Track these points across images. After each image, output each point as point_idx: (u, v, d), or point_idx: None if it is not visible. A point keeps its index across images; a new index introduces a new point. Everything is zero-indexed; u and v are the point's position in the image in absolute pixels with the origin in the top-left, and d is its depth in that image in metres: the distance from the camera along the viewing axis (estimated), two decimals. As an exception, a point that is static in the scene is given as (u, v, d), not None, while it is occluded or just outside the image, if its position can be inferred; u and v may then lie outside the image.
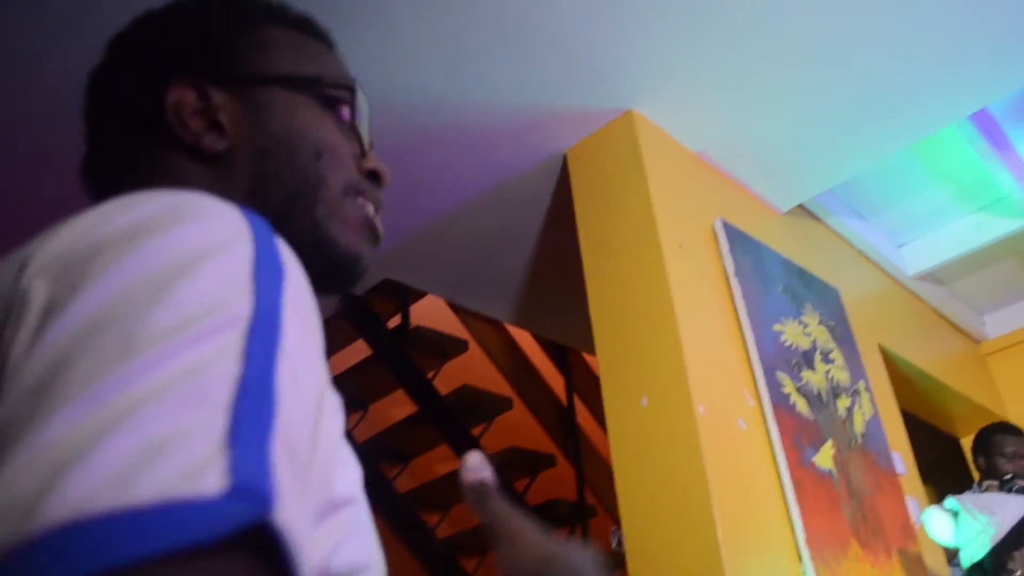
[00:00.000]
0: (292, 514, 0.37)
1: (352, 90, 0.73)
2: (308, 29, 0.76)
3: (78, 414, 0.35)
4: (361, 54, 2.05)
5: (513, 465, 3.90)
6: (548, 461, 4.01)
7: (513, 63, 2.18)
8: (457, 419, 3.73)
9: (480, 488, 0.73)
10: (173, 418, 0.36)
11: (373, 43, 2.04)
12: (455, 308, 3.69)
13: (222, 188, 0.53)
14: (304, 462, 0.41)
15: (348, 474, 0.58)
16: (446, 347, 3.83)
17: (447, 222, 2.86)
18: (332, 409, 0.52)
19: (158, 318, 0.39)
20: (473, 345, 3.91)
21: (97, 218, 0.47)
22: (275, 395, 0.40)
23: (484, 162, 2.60)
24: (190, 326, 0.40)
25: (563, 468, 4.09)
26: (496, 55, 2.15)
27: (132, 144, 0.68)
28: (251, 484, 0.35)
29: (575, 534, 3.93)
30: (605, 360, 2.13)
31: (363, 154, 0.73)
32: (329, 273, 0.68)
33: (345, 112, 0.73)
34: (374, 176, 0.73)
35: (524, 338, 4.08)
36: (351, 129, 0.73)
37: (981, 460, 3.08)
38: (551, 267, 3.11)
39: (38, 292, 0.43)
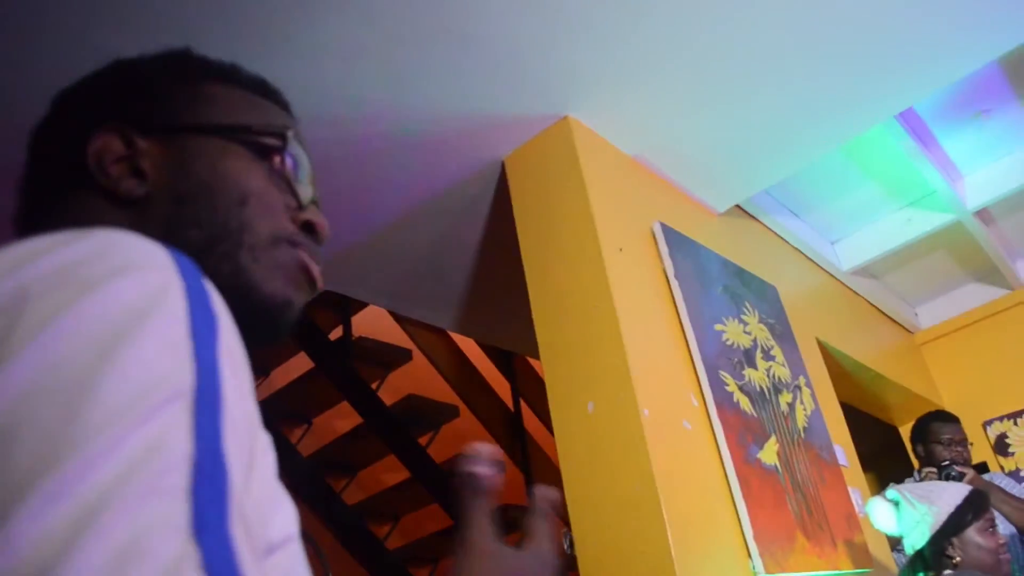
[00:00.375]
0: None
1: (284, 137, 0.71)
2: (257, 89, 0.75)
3: (42, 517, 0.34)
4: (296, 66, 2.03)
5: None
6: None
7: (448, 72, 2.18)
8: (403, 429, 3.71)
9: (472, 481, 0.71)
10: (138, 513, 0.35)
11: (307, 55, 2.02)
12: (397, 317, 3.68)
13: (137, 231, 0.51)
14: (252, 524, 0.42)
15: (283, 514, 0.57)
16: (389, 357, 3.81)
17: (386, 232, 2.85)
18: (263, 450, 0.52)
19: (105, 395, 0.38)
20: (417, 354, 3.90)
21: (16, 258, 0.45)
22: (226, 468, 0.40)
23: (422, 171, 2.59)
24: (139, 403, 0.39)
25: (512, 473, 4.09)
26: (431, 64, 2.14)
27: (54, 190, 0.67)
28: None
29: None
30: (550, 367, 2.13)
31: (299, 206, 0.71)
32: (254, 321, 0.64)
33: (277, 161, 0.71)
34: (309, 228, 0.71)
35: (468, 345, 4.07)
36: (283, 179, 0.71)
37: (920, 448, 3.16)
38: (493, 274, 3.12)
39: None
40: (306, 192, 0.72)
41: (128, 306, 0.42)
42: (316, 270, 0.70)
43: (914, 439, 3.22)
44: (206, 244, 0.64)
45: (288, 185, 0.71)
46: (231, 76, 0.74)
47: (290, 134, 0.72)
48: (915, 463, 3.41)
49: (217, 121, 0.69)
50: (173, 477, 0.37)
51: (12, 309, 0.41)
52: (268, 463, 0.51)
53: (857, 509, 2.58)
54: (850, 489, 2.62)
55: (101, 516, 0.34)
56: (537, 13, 2.03)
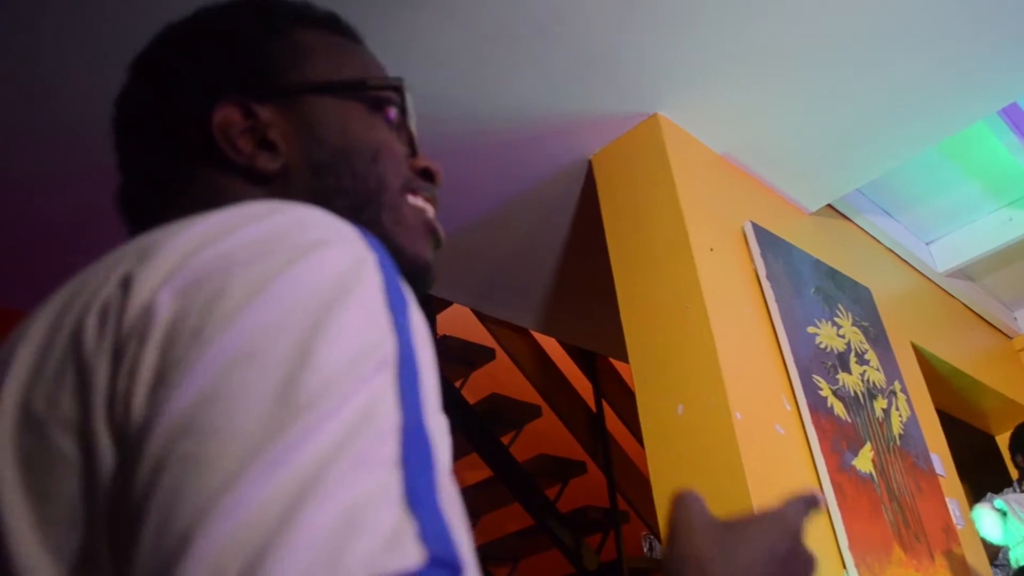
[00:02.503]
0: (471, 566, 0.38)
1: (400, 90, 0.71)
2: (336, 27, 0.73)
3: (266, 483, 0.34)
4: (384, 65, 2.04)
5: (544, 472, 3.88)
6: (579, 468, 3.99)
7: (535, 70, 2.17)
8: (486, 427, 3.72)
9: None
10: (356, 482, 0.35)
11: (390, 54, 2.01)
12: (481, 317, 3.68)
13: None
14: (453, 496, 0.41)
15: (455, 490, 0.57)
16: (473, 356, 3.82)
17: (472, 231, 2.85)
18: (446, 426, 0.51)
19: (321, 362, 0.39)
20: (500, 353, 3.90)
21: (216, 228, 0.45)
22: (429, 441, 0.40)
23: (508, 170, 2.59)
24: (353, 371, 0.39)
25: (594, 474, 4.07)
26: (517, 62, 2.13)
27: (179, 169, 0.64)
28: (444, 551, 0.36)
29: (607, 540, 3.91)
30: (638, 368, 2.10)
31: (413, 152, 0.71)
32: None
33: (392, 112, 0.70)
34: (427, 174, 0.71)
35: (551, 345, 4.06)
36: (399, 127, 0.71)
37: (1019, 458, 3.04)
38: (577, 273, 3.10)
39: (163, 306, 0.41)
40: (417, 139, 0.72)
41: (336, 275, 0.43)
42: (439, 225, 0.70)
43: (1013, 448, 3.09)
44: (352, 211, 0.62)
45: (404, 134, 0.71)
46: (313, 18, 0.71)
47: (403, 83, 0.71)
48: (1014, 473, 3.28)
49: (328, 78, 0.67)
50: (387, 447, 0.37)
51: (220, 274, 0.42)
52: (448, 440, 0.51)
53: (955, 521, 2.48)
54: (947, 500, 2.52)
55: (322, 484, 0.34)
56: (626, 10, 2.00)
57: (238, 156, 0.63)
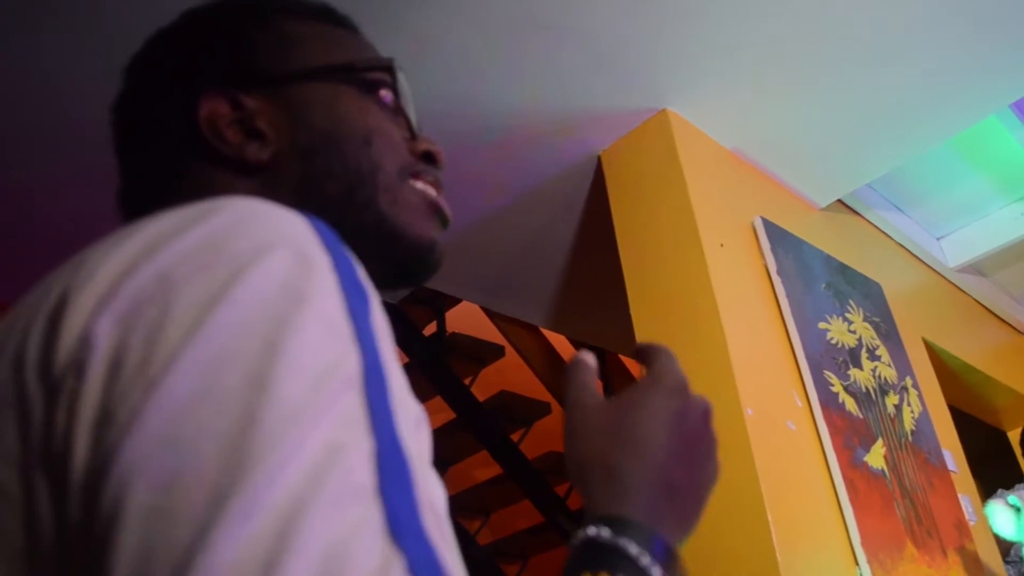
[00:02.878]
0: None
1: (391, 70, 0.69)
2: (328, 16, 0.72)
3: (237, 535, 0.32)
4: (391, 56, 2.03)
5: (553, 470, 3.87)
6: (588, 465, 3.97)
7: (543, 66, 2.16)
8: (496, 425, 3.71)
9: (581, 363, 0.63)
10: (334, 520, 0.33)
11: (402, 51, 2.02)
12: (490, 314, 3.68)
13: (271, 197, 0.49)
14: (439, 512, 0.40)
15: (440, 490, 0.56)
16: (483, 353, 3.82)
17: (480, 228, 2.85)
18: (418, 423, 0.48)
19: (279, 392, 0.36)
20: (509, 350, 3.90)
21: (146, 242, 0.42)
22: (405, 457, 0.38)
23: (516, 167, 2.58)
24: (315, 398, 0.36)
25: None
26: (526, 58, 2.13)
27: (169, 165, 0.64)
28: None
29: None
30: (649, 364, 2.09)
31: (413, 135, 0.70)
32: (403, 266, 0.65)
33: (386, 95, 0.69)
34: (429, 157, 0.69)
35: (560, 342, 4.05)
36: (396, 111, 0.69)
37: None
38: (586, 270, 3.09)
39: (102, 335, 0.38)
40: (414, 121, 0.70)
41: (284, 287, 0.39)
42: (445, 204, 0.68)
43: (1024, 445, 3.08)
44: (345, 195, 0.62)
45: (401, 116, 0.69)
46: (301, 8, 0.71)
47: (395, 64, 0.69)
48: (1026, 469, 3.26)
49: (317, 64, 0.66)
50: (361, 476, 0.35)
51: (158, 300, 0.39)
52: (424, 437, 0.48)
53: (968, 517, 2.47)
54: (960, 496, 2.51)
55: (298, 529, 0.32)
56: (634, 5, 1.99)
57: (226, 147, 0.62)
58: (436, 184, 0.69)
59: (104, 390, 0.37)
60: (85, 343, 0.38)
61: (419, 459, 0.40)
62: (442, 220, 0.68)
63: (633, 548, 0.48)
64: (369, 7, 1.87)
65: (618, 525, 0.49)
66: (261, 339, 0.37)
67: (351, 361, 0.39)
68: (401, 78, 0.70)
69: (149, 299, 0.39)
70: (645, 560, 0.48)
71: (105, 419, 0.36)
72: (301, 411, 0.35)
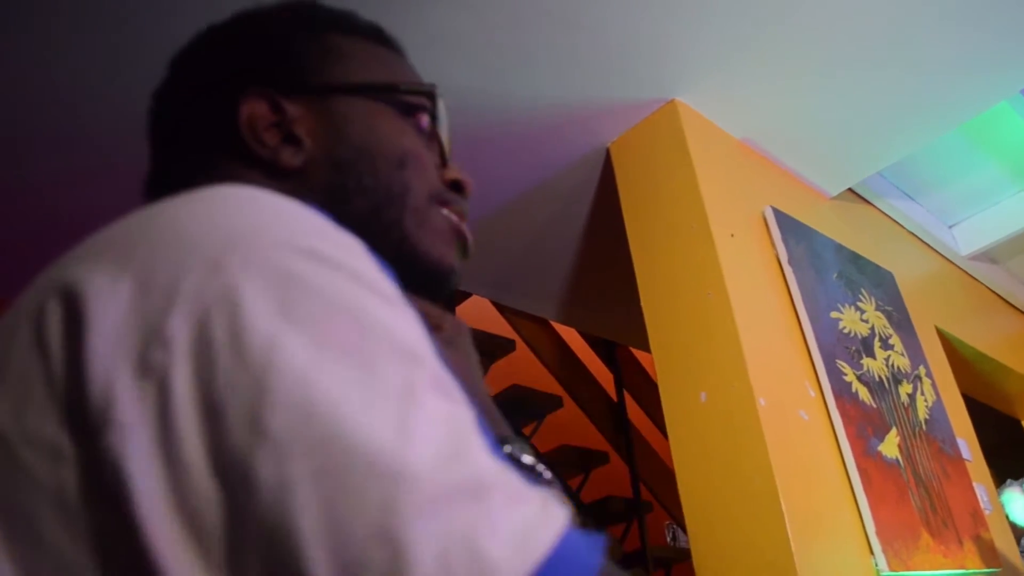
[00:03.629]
0: None
1: (432, 96, 0.70)
2: (378, 38, 0.73)
3: (428, 538, 0.35)
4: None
5: (566, 463, 3.87)
6: (601, 458, 3.98)
7: (551, 58, 2.15)
8: (507, 419, 3.70)
9: None
10: (483, 456, 0.39)
11: (409, 44, 2.01)
12: (501, 308, 3.67)
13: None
14: None
15: None
16: (493, 347, 3.81)
17: (490, 222, 2.84)
18: None
19: (399, 334, 0.41)
20: (520, 344, 3.89)
21: (197, 226, 0.42)
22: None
23: (525, 160, 2.57)
24: (414, 382, 0.40)
25: (616, 464, 4.06)
26: (533, 51, 2.12)
27: (203, 160, 0.64)
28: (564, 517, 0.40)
29: (631, 530, 3.90)
30: (660, 357, 2.09)
31: (444, 163, 0.71)
32: (419, 286, 0.65)
33: (424, 120, 0.69)
34: (457, 186, 0.70)
35: (571, 335, 4.05)
36: (431, 137, 0.70)
37: None
38: (596, 263, 3.08)
39: (180, 330, 0.39)
40: (448, 149, 0.72)
41: (369, 284, 0.43)
42: (468, 233, 0.70)
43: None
44: (372, 212, 0.63)
45: (436, 142, 0.70)
46: (353, 26, 0.72)
47: (436, 91, 0.70)
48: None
49: (361, 80, 0.67)
50: (477, 445, 0.40)
51: (230, 297, 0.39)
52: None
53: (983, 505, 2.46)
54: (975, 484, 2.50)
55: (468, 457, 0.38)
56: (644, -5, 1.98)
57: (262, 149, 0.63)
58: (461, 214, 0.70)
59: (200, 385, 0.38)
60: (160, 342, 0.38)
61: None
62: (463, 249, 0.70)
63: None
64: (377, 1, 1.86)
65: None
66: (359, 331, 0.40)
67: (424, 343, 0.43)
68: (441, 105, 0.71)
69: (217, 293, 0.39)
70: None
71: (214, 411, 0.37)
72: (421, 355, 0.41)
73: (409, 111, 0.69)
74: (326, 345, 0.38)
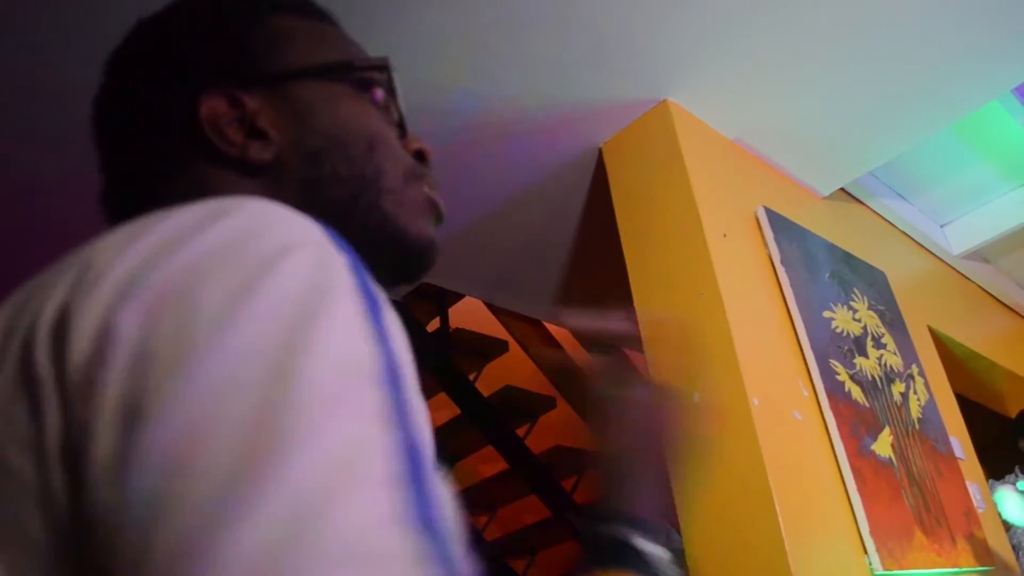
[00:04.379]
0: None
1: (387, 69, 0.69)
2: (311, 12, 0.71)
3: (257, 524, 0.32)
4: (386, 55, 2.02)
5: (559, 463, 3.87)
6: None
7: (541, 58, 2.15)
8: (501, 420, 3.71)
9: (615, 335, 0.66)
10: (363, 507, 0.34)
11: (394, 44, 2.01)
12: (494, 309, 3.67)
13: (275, 198, 0.48)
14: (445, 510, 0.40)
15: (443, 488, 0.56)
16: (486, 348, 3.82)
17: (482, 223, 2.84)
18: (426, 419, 0.49)
19: (304, 384, 0.36)
20: (513, 345, 3.89)
21: (172, 235, 0.42)
22: (420, 452, 0.38)
23: (516, 161, 2.57)
24: (339, 392, 0.37)
25: (610, 465, 4.05)
26: (523, 51, 2.11)
27: (164, 163, 0.62)
28: (453, 572, 0.35)
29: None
30: (652, 357, 2.08)
31: (403, 134, 0.70)
32: (402, 264, 0.66)
33: (379, 93, 0.68)
34: (420, 155, 0.70)
35: (564, 336, 4.05)
36: (386, 109, 0.69)
37: (1023, 443, 3.00)
38: (589, 263, 3.08)
39: (126, 327, 0.38)
40: (406, 119, 0.70)
41: (308, 285, 0.40)
42: (441, 201, 0.68)
43: (1017, 431, 3.05)
44: (349, 199, 0.62)
45: (394, 117, 0.69)
46: (288, 4, 0.69)
47: (390, 63, 0.69)
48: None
49: (312, 62, 0.65)
50: (382, 466, 0.35)
51: (185, 293, 0.39)
52: (429, 437, 0.49)
53: (976, 504, 2.46)
54: (968, 483, 2.50)
55: (320, 515, 0.33)
56: (635, -5, 1.98)
57: (229, 147, 0.61)
58: (431, 184, 0.69)
59: (130, 382, 0.37)
60: (106, 335, 0.38)
61: (429, 457, 0.41)
62: (438, 216, 0.69)
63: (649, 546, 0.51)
64: (366, 1, 1.86)
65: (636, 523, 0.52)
66: (288, 332, 0.38)
67: (371, 357, 0.39)
68: (395, 76, 0.70)
69: (175, 292, 0.39)
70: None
71: (133, 411, 0.36)
72: (326, 402, 0.36)
73: (365, 86, 0.68)
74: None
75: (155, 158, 0.63)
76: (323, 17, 0.72)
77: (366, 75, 0.68)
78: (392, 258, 0.62)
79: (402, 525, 0.34)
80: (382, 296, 0.45)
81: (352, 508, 0.33)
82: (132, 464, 0.35)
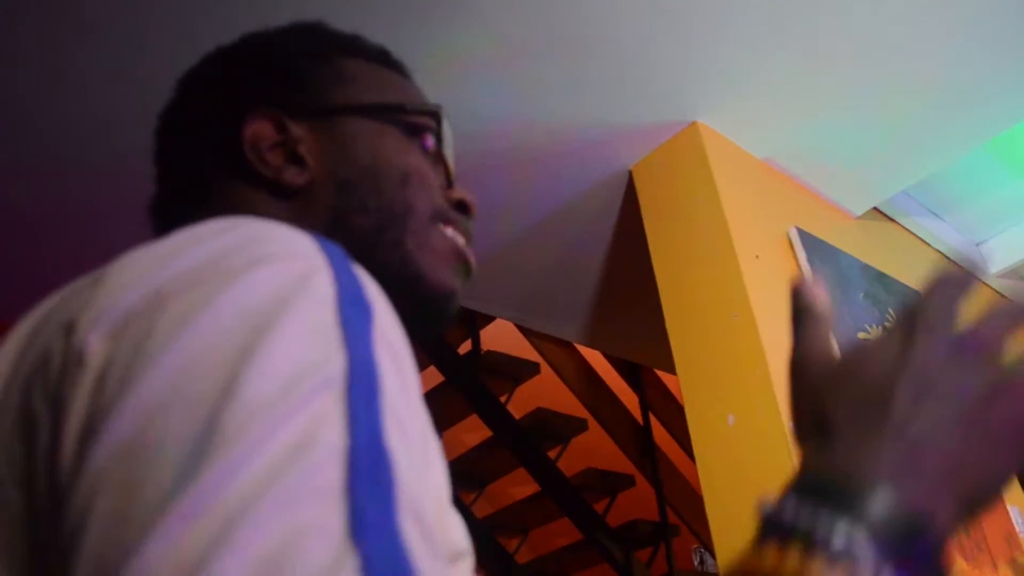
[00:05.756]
0: None
1: (437, 116, 0.70)
2: (384, 60, 0.73)
3: (174, 538, 0.31)
4: (417, 81, 2.04)
5: (591, 487, 3.85)
6: (627, 481, 3.95)
7: (571, 82, 2.16)
8: (532, 442, 3.69)
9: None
10: (282, 521, 0.31)
11: (421, 68, 2.01)
12: (525, 331, 3.67)
13: (300, 223, 0.49)
14: (430, 526, 0.36)
15: (460, 525, 0.55)
16: (518, 371, 3.80)
17: (513, 246, 2.84)
18: (436, 453, 0.47)
19: (246, 394, 0.35)
20: (544, 367, 3.88)
21: (152, 260, 0.42)
22: (390, 461, 0.35)
23: (547, 185, 2.58)
24: (284, 397, 0.35)
25: (642, 488, 4.03)
26: (553, 75, 2.12)
27: (206, 180, 0.64)
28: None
29: (658, 554, 3.86)
30: (686, 380, 2.07)
31: (449, 184, 0.70)
32: (418, 313, 0.63)
33: (429, 140, 0.69)
34: (462, 206, 0.69)
35: (595, 358, 4.03)
36: (436, 158, 0.70)
37: None
38: (620, 286, 3.07)
39: (94, 350, 0.38)
40: (453, 170, 0.71)
41: (267, 296, 0.39)
42: (471, 255, 0.68)
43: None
44: (374, 232, 0.62)
45: (440, 164, 0.70)
46: (359, 49, 0.72)
47: (442, 111, 0.70)
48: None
49: (367, 101, 0.67)
50: (325, 474, 0.33)
51: (147, 314, 0.39)
52: (441, 469, 0.47)
53: (1018, 528, 2.41)
54: (1009, 506, 2.45)
55: (238, 530, 0.30)
56: (660, 17, 1.98)
57: (265, 169, 0.63)
58: (466, 234, 0.69)
59: (92, 402, 0.37)
60: (79, 356, 0.39)
61: (414, 468, 0.38)
62: (465, 270, 0.68)
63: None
64: (392, 25, 1.88)
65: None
66: (236, 345, 0.37)
67: (333, 362, 0.37)
68: (446, 126, 0.71)
69: (138, 313, 0.39)
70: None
71: (89, 430, 0.36)
72: (265, 411, 0.34)
73: (414, 132, 0.68)
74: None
75: (198, 173, 0.65)
76: (392, 65, 0.73)
77: (417, 120, 0.69)
78: (409, 303, 0.59)
79: (327, 537, 0.31)
80: (382, 304, 0.43)
81: (269, 522, 0.31)
82: (78, 485, 0.35)
